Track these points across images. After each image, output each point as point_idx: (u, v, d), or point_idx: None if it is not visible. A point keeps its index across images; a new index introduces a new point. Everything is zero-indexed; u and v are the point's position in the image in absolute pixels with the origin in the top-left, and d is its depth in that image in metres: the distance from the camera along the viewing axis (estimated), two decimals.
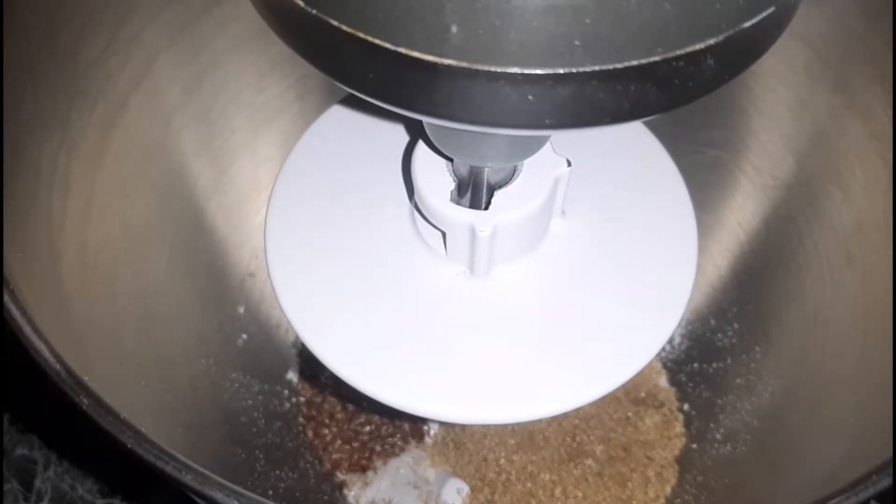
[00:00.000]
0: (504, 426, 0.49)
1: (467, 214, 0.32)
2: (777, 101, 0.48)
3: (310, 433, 0.50)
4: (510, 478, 0.48)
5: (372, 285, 0.34)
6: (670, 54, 0.23)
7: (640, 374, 0.34)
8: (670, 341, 0.53)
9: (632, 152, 0.38)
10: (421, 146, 0.34)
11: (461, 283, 0.34)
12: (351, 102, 0.39)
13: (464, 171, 0.33)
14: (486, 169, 0.32)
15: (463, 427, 0.50)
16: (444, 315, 0.34)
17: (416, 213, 0.35)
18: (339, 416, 0.50)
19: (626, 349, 0.33)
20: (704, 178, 0.53)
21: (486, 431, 0.50)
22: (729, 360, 0.51)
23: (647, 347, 0.33)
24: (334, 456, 0.50)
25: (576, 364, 0.33)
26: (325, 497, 0.49)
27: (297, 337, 0.53)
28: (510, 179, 0.33)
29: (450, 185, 0.33)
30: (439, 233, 0.34)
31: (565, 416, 0.49)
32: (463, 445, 0.50)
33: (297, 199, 0.36)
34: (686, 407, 0.51)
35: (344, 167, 0.37)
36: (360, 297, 0.34)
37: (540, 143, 0.31)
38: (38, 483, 0.51)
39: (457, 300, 0.34)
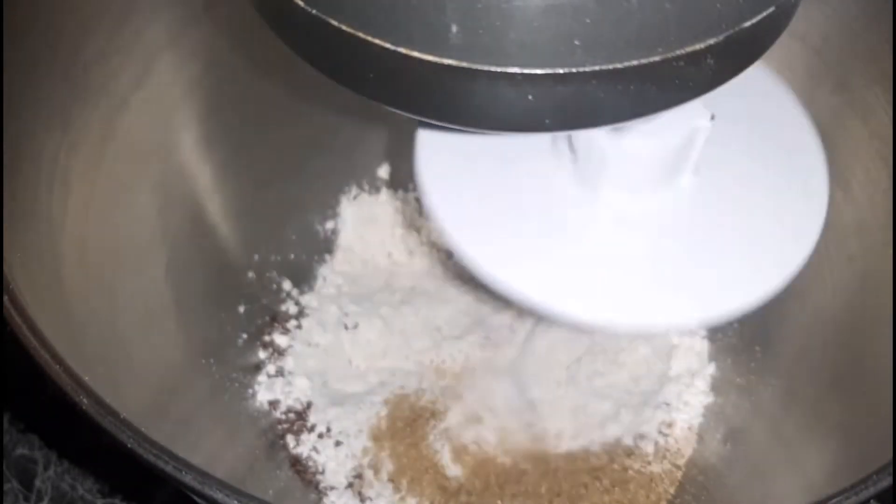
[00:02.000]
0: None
1: (598, 137, 0.33)
2: None
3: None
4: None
5: (520, 206, 0.36)
6: (670, 54, 0.23)
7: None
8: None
9: (757, 94, 0.39)
10: None
11: (596, 203, 0.36)
12: None
13: None
14: None
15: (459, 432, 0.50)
16: (581, 229, 0.35)
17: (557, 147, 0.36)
18: None
19: (757, 271, 0.34)
20: None
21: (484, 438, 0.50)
22: (729, 361, 0.51)
23: (779, 270, 0.34)
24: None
25: (709, 280, 0.34)
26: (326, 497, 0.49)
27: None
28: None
29: None
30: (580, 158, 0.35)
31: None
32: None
33: (441, 141, 0.37)
34: None
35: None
36: (510, 217, 0.36)
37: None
38: (38, 483, 0.51)
39: (594, 218, 0.36)
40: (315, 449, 0.49)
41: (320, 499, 0.48)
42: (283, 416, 0.50)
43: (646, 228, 0.35)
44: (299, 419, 0.50)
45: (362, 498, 0.48)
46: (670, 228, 0.35)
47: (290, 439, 0.49)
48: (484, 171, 0.36)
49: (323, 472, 0.48)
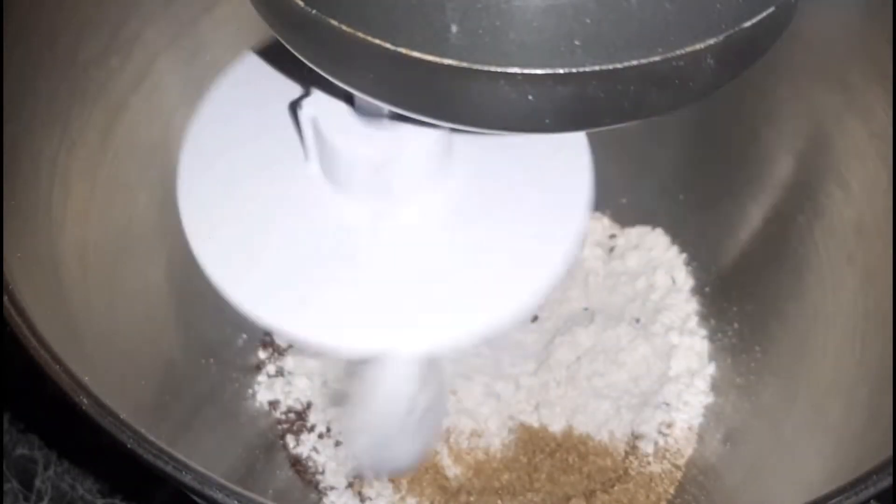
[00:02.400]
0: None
1: (364, 148, 0.33)
2: (777, 101, 0.48)
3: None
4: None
5: (275, 224, 0.35)
6: (670, 54, 0.23)
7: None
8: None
9: None
10: (316, 92, 0.34)
11: (361, 218, 0.35)
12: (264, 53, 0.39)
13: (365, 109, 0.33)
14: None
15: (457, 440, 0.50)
16: (342, 248, 0.35)
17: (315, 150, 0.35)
18: None
19: (512, 284, 0.34)
20: (704, 179, 0.53)
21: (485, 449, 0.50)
22: (729, 360, 0.51)
23: (534, 283, 0.34)
24: None
25: (467, 295, 0.33)
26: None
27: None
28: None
29: (346, 119, 0.33)
30: (343, 167, 0.34)
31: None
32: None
33: (208, 145, 0.37)
34: None
35: (253, 116, 0.37)
36: (265, 238, 0.35)
37: None
38: (38, 483, 0.51)
39: (355, 235, 0.35)
40: (315, 449, 0.49)
41: (320, 499, 0.48)
42: (283, 417, 0.50)
43: (390, 244, 0.35)
44: (299, 419, 0.50)
45: (362, 498, 0.48)
46: (413, 246, 0.35)
47: (290, 439, 0.49)
48: (241, 200, 0.35)
49: (323, 472, 0.48)
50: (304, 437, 0.49)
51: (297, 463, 0.49)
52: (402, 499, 0.47)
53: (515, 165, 0.36)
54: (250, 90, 0.38)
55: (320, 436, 0.49)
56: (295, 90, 0.38)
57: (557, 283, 0.34)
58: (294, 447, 0.49)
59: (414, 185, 0.34)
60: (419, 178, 0.34)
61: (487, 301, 0.33)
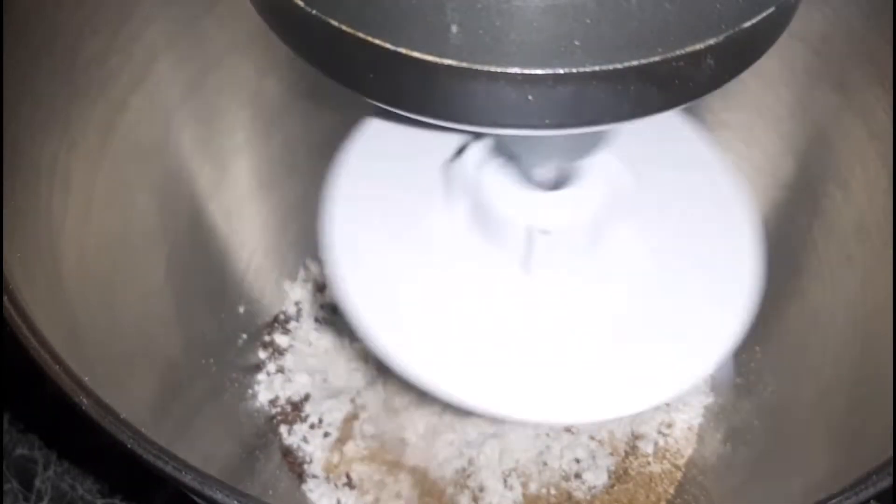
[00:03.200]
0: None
1: (524, 215, 0.33)
2: (777, 101, 0.48)
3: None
4: None
5: (434, 285, 0.34)
6: (670, 54, 0.23)
7: None
8: None
9: (680, 149, 0.37)
10: (474, 146, 0.34)
11: (517, 280, 0.34)
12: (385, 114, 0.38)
13: (524, 167, 0.33)
14: (543, 169, 0.32)
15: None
16: (499, 311, 0.33)
17: (470, 210, 0.35)
18: None
19: (686, 354, 0.33)
20: None
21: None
22: (729, 361, 0.51)
23: (708, 354, 0.33)
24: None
25: (635, 368, 0.32)
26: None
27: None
28: (567, 181, 0.33)
29: (507, 182, 0.33)
30: (497, 230, 0.34)
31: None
32: None
33: (352, 201, 0.36)
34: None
35: (393, 174, 0.37)
36: (423, 297, 0.34)
37: (597, 142, 0.31)
38: (38, 483, 0.51)
39: (512, 297, 0.34)
40: (304, 439, 0.49)
41: (299, 486, 0.48)
42: (280, 409, 0.50)
43: (565, 308, 0.33)
44: (294, 409, 0.50)
45: (337, 486, 0.48)
46: (583, 311, 0.34)
47: (283, 430, 0.50)
48: (403, 255, 0.35)
49: (311, 462, 0.49)
50: (296, 427, 0.50)
51: (287, 454, 0.49)
52: (381, 484, 0.47)
53: (673, 222, 0.35)
54: (383, 148, 0.38)
55: (311, 426, 0.49)
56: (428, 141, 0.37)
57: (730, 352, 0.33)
58: (286, 438, 0.49)
59: (567, 250, 0.33)
60: (571, 245, 0.33)
61: (670, 370, 0.32)
